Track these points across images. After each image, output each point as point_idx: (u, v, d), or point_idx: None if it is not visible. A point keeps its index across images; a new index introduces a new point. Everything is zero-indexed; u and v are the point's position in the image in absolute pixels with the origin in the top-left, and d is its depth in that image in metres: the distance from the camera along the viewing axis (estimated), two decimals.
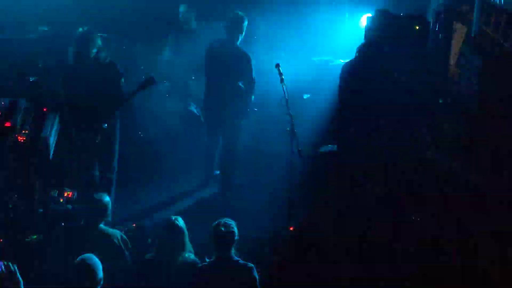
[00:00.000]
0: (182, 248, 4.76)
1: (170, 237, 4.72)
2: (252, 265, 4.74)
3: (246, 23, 6.82)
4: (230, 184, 7.29)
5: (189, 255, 4.79)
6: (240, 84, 6.87)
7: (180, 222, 4.78)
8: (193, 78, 8.04)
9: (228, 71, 6.78)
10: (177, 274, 4.66)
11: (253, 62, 6.84)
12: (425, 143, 7.10)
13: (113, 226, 5.52)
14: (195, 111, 8.02)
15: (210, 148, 7.38)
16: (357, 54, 6.45)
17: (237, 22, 6.77)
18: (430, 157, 6.86)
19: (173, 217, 4.81)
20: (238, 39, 6.81)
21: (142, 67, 7.99)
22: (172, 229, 4.72)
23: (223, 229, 4.60)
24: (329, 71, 7.80)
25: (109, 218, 5.18)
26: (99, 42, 6.03)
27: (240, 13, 6.83)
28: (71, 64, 6.27)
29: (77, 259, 4.18)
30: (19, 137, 6.03)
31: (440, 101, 6.40)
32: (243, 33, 6.83)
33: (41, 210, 6.30)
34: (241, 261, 4.64)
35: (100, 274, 4.14)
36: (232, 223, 4.68)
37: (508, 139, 5.20)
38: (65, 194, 6.72)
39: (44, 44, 7.75)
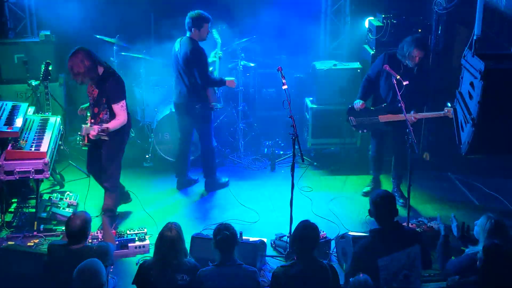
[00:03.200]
0: (182, 253, 4.72)
1: (170, 243, 4.66)
2: (255, 268, 4.73)
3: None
4: (214, 180, 7.36)
5: (190, 259, 4.76)
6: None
7: (178, 227, 4.73)
8: None
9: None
10: (179, 280, 4.62)
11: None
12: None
13: None
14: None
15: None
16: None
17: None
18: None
19: (171, 223, 4.75)
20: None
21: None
22: (172, 234, 4.65)
23: (226, 232, 4.59)
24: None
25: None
26: None
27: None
28: None
29: (80, 265, 4.15)
30: (21, 141, 6.04)
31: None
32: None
33: (44, 215, 6.30)
34: (244, 265, 4.63)
35: (104, 278, 4.12)
36: (233, 226, 4.67)
37: None
38: (67, 199, 6.71)
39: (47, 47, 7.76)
